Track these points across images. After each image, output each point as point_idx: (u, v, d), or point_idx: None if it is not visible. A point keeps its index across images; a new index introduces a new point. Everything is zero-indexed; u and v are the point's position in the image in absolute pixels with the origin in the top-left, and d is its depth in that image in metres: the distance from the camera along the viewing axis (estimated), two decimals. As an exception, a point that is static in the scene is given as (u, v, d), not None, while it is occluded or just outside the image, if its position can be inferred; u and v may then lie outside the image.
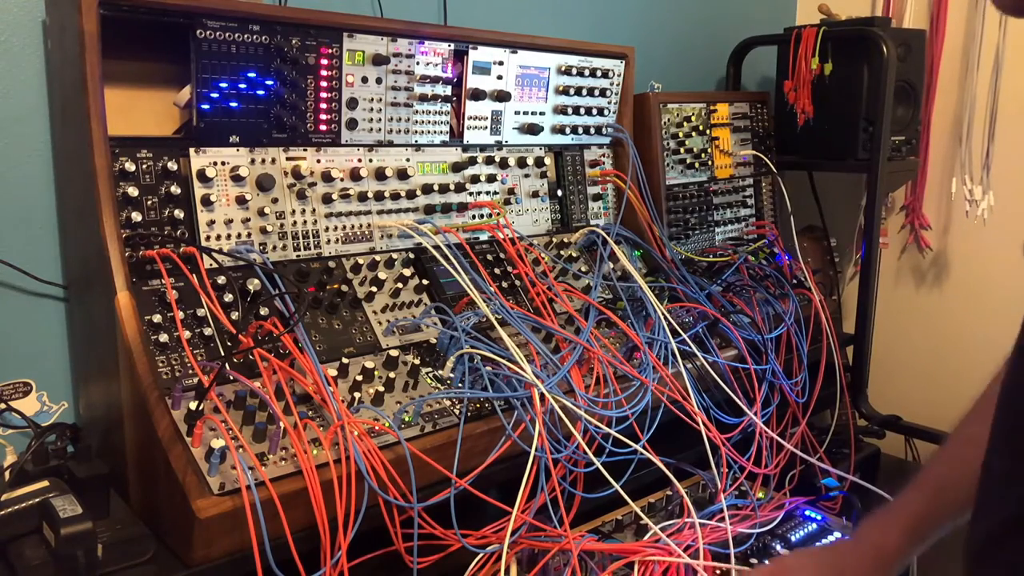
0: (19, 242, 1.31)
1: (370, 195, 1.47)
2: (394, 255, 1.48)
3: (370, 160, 1.48)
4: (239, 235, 1.31)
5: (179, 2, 1.21)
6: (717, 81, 2.46)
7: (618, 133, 1.89)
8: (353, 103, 1.44)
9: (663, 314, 1.59)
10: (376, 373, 1.27)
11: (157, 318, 1.17)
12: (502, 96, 1.65)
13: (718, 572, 1.34)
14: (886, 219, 2.48)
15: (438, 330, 1.41)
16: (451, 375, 1.33)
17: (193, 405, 1.07)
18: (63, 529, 0.98)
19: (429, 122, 1.56)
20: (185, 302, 1.20)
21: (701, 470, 1.57)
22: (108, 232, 1.15)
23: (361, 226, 1.46)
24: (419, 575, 1.13)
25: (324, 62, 1.38)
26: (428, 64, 1.52)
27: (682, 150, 2.03)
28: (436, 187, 1.55)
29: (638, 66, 1.90)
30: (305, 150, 1.40)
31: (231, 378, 1.15)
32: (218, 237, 1.28)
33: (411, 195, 1.53)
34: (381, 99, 1.47)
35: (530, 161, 1.73)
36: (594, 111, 1.83)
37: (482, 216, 1.64)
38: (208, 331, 1.20)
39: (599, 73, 1.82)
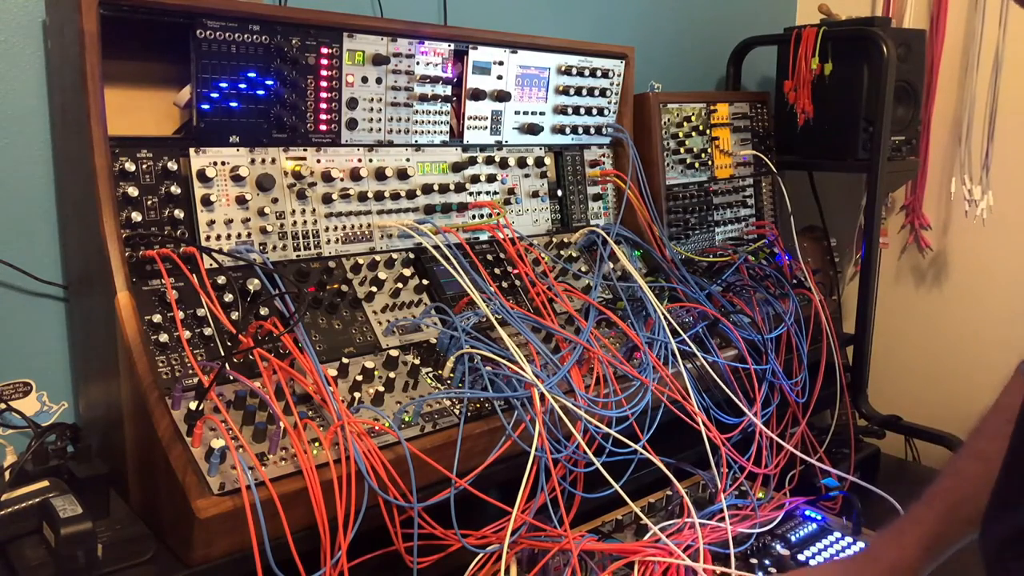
0: (19, 242, 1.31)
1: (370, 195, 1.47)
2: (394, 255, 1.48)
3: (370, 160, 1.48)
4: (239, 235, 1.31)
5: (179, 2, 1.21)
6: (717, 81, 2.46)
7: (618, 133, 1.89)
8: (353, 103, 1.44)
9: (663, 314, 1.59)
10: (376, 373, 1.27)
11: (157, 318, 1.17)
12: (502, 96, 1.65)
13: (718, 572, 1.34)
14: (886, 219, 2.48)
15: (438, 330, 1.41)
16: (451, 375, 1.33)
17: (193, 405, 1.07)
18: (63, 529, 0.98)
19: (429, 122, 1.56)
20: (185, 302, 1.20)
21: (701, 470, 1.57)
22: (108, 232, 1.15)
23: (361, 226, 1.46)
24: (419, 575, 1.13)
25: (324, 62, 1.38)
26: (428, 64, 1.52)
27: (682, 150, 2.03)
28: (436, 187, 1.55)
29: (638, 66, 1.90)
30: (305, 150, 1.40)
31: (231, 378, 1.15)
32: (218, 237, 1.28)
33: (411, 195, 1.53)
34: (381, 99, 1.47)
35: (530, 161, 1.73)
36: (594, 111, 1.83)
37: (482, 216, 1.64)
38: (208, 331, 1.20)
39: (599, 73, 1.82)
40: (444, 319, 1.42)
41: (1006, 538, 0.75)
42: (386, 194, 1.49)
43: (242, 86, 1.30)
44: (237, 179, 1.30)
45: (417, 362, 1.31)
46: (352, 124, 1.44)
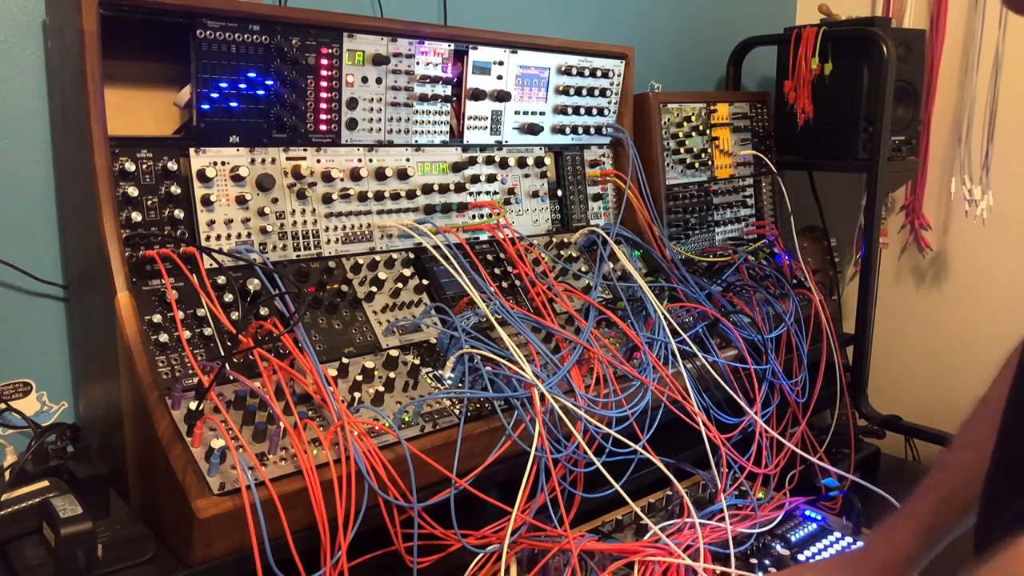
0: (19, 242, 1.31)
1: (370, 195, 1.47)
2: (394, 255, 1.48)
3: (370, 160, 1.48)
4: (239, 235, 1.31)
5: (179, 2, 1.21)
6: (717, 81, 2.46)
7: (618, 133, 1.89)
8: (353, 103, 1.44)
9: (663, 314, 1.59)
10: (376, 373, 1.27)
11: (157, 318, 1.17)
12: (502, 96, 1.65)
13: (718, 572, 1.34)
14: (886, 219, 2.48)
15: (438, 330, 1.41)
16: (451, 375, 1.33)
17: (193, 405, 1.07)
18: (63, 529, 0.98)
19: (429, 122, 1.56)
20: (185, 302, 1.20)
21: (701, 470, 1.57)
22: (108, 232, 1.15)
23: (361, 226, 1.46)
24: (419, 575, 1.13)
25: (324, 62, 1.38)
26: (428, 64, 1.52)
27: (682, 150, 2.03)
28: (436, 187, 1.55)
29: (638, 66, 1.90)
30: (305, 150, 1.40)
31: (231, 378, 1.15)
32: (218, 237, 1.28)
33: (411, 195, 1.53)
34: (381, 99, 1.47)
35: (530, 161, 1.73)
36: (594, 111, 1.83)
37: (482, 216, 1.64)
38: (208, 331, 1.20)
39: (599, 73, 1.82)
40: (444, 319, 1.42)
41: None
42: (386, 194, 1.49)
43: (242, 86, 1.30)
44: (237, 179, 1.30)
45: (417, 362, 1.31)
46: (352, 124, 1.44)
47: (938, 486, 1.06)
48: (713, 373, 1.60)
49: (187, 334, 1.16)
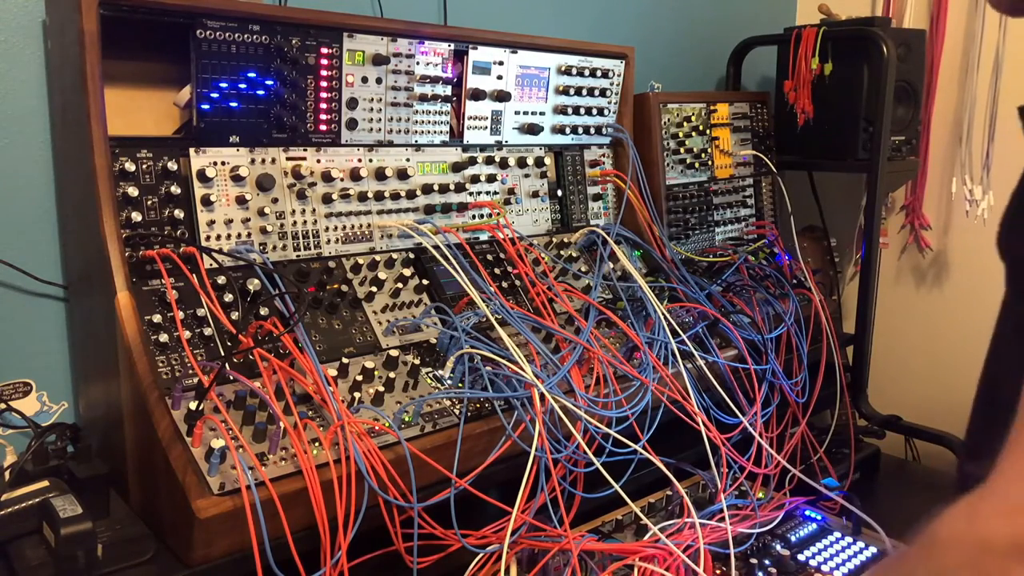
0: (19, 242, 1.31)
1: (370, 195, 1.47)
2: (394, 255, 1.48)
3: (370, 160, 1.48)
4: (239, 235, 1.31)
5: (179, 2, 1.21)
6: (717, 81, 2.46)
7: (618, 133, 1.89)
8: (353, 103, 1.44)
9: (663, 314, 1.59)
10: (376, 373, 1.27)
11: (157, 318, 1.17)
12: (502, 96, 1.65)
13: (718, 572, 1.34)
14: (886, 219, 2.48)
15: (438, 330, 1.41)
16: (451, 375, 1.33)
17: (193, 405, 1.07)
18: (63, 529, 0.98)
19: (429, 122, 1.56)
20: (185, 302, 1.20)
21: (701, 470, 1.57)
22: (108, 232, 1.15)
23: (361, 226, 1.46)
24: (419, 575, 1.13)
25: (324, 62, 1.38)
26: (428, 64, 1.52)
27: (682, 150, 2.03)
28: (436, 187, 1.55)
29: (638, 66, 1.90)
30: (305, 150, 1.40)
31: (231, 378, 1.15)
32: (218, 237, 1.28)
33: (411, 195, 1.53)
34: (381, 99, 1.47)
35: (530, 161, 1.73)
36: (594, 111, 1.83)
37: (482, 216, 1.64)
38: (208, 331, 1.20)
39: (599, 73, 1.82)
40: (444, 319, 1.42)
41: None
42: (386, 194, 1.49)
43: (242, 86, 1.30)
44: (237, 179, 1.30)
45: (417, 362, 1.31)
46: (352, 124, 1.44)
47: None
48: (713, 373, 1.60)
49: (187, 334, 1.16)
